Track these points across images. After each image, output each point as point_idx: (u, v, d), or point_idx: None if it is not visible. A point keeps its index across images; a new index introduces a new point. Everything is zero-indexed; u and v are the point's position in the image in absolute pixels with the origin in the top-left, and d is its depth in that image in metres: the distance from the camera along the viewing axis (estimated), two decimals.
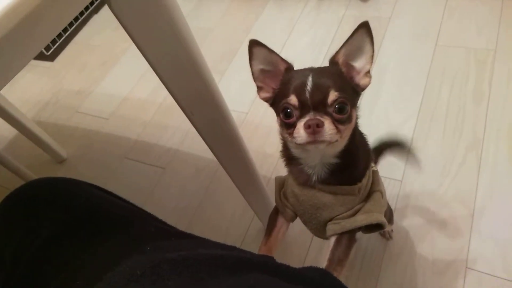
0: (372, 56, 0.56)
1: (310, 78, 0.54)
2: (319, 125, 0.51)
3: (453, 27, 1.52)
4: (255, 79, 0.62)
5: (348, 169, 0.62)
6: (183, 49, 0.56)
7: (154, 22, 0.51)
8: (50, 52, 1.92)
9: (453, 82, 1.37)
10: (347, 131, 0.56)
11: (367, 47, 0.56)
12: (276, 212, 0.74)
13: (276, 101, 0.59)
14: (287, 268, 0.49)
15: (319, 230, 0.69)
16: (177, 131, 1.48)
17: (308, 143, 0.52)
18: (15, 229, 0.56)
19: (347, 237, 0.64)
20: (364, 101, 1.29)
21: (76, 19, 2.01)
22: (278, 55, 0.59)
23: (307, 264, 0.75)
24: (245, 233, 1.17)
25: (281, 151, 0.67)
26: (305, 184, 0.64)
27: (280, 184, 0.73)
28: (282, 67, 0.60)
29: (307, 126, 0.51)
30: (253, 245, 1.14)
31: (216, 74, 1.61)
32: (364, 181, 0.64)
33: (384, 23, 1.60)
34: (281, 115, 0.56)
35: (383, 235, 1.06)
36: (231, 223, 1.21)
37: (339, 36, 1.60)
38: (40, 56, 1.90)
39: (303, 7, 1.78)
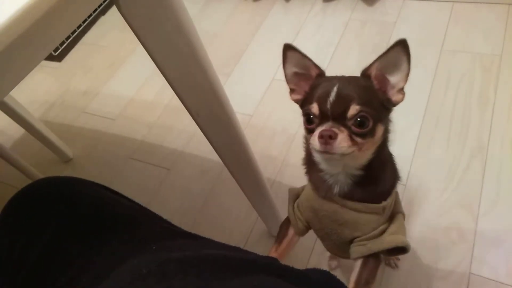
0: (408, 74, 0.55)
1: (335, 89, 0.53)
2: (332, 136, 0.51)
3: (458, 33, 1.52)
4: (288, 81, 0.62)
5: (373, 184, 0.61)
6: (190, 50, 0.56)
7: (161, 23, 0.52)
8: (58, 52, 1.94)
9: (458, 88, 1.36)
10: (368, 144, 0.55)
11: (404, 64, 0.54)
12: (288, 222, 0.73)
13: (303, 105, 0.60)
14: (291, 270, 0.50)
15: (339, 248, 0.68)
16: (183, 132, 1.49)
17: (321, 152, 0.53)
18: (22, 227, 0.57)
19: (373, 259, 0.63)
20: None
21: (83, 20, 2.03)
22: (310, 60, 0.60)
23: (310, 267, 0.75)
24: (249, 234, 1.18)
25: (303, 158, 0.66)
26: (326, 197, 0.62)
27: (294, 196, 0.72)
28: (314, 72, 0.60)
29: (320, 136, 0.51)
30: (257, 246, 1.14)
31: (222, 76, 1.61)
32: (389, 200, 0.63)
33: (390, 27, 1.60)
34: (304, 119, 0.57)
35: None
36: (235, 224, 1.21)
37: (344, 40, 1.60)
38: (48, 57, 1.92)
39: (309, 10, 1.79)
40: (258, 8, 1.88)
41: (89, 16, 2.04)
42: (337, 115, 0.53)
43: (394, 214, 0.65)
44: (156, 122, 1.57)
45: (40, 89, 1.84)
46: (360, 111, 0.52)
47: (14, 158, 1.29)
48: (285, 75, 0.62)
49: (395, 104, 0.57)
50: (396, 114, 0.57)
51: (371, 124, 0.53)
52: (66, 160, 1.50)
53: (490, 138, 1.22)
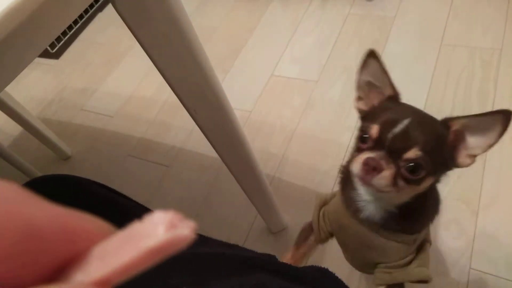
0: (492, 146, 0.50)
1: (405, 121, 0.49)
2: (377, 169, 0.48)
3: (458, 27, 1.51)
4: (358, 87, 0.59)
5: (407, 221, 0.57)
6: (186, 47, 0.56)
7: (157, 20, 0.51)
8: (55, 50, 1.93)
9: (458, 82, 1.36)
10: (408, 190, 0.51)
11: (493, 134, 0.49)
12: (310, 229, 0.71)
13: (364, 118, 0.56)
14: (289, 267, 0.49)
15: (361, 265, 0.66)
16: (182, 129, 1.48)
17: (357, 177, 0.50)
18: None
19: (397, 287, 0.61)
20: None
21: (81, 17, 2.01)
22: (389, 78, 0.56)
23: (311, 263, 0.75)
24: (249, 230, 1.18)
25: (342, 166, 0.63)
26: (355, 216, 0.58)
27: (321, 202, 0.69)
28: (388, 91, 0.56)
29: (365, 163, 0.48)
30: (257, 242, 1.14)
31: (220, 73, 1.61)
32: (423, 233, 0.61)
33: (389, 22, 1.59)
34: (358, 134, 0.53)
35: None
36: (235, 220, 1.21)
37: (343, 35, 1.59)
38: (45, 54, 1.91)
39: (308, 5, 1.77)
40: (256, 3, 1.87)
41: (86, 13, 2.03)
42: (394, 150, 0.48)
43: (422, 243, 0.62)
44: (155, 119, 1.56)
45: (38, 87, 1.83)
46: (418, 158, 0.48)
47: (12, 156, 1.29)
48: (357, 81, 0.58)
49: (458, 166, 0.52)
50: None
51: (422, 174, 0.49)
52: (64, 157, 1.49)
53: None
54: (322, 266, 0.58)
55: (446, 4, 1.59)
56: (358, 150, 0.52)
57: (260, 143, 1.36)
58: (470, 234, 1.04)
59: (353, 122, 1.33)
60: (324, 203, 0.69)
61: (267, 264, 0.47)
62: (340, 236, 0.64)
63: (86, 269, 0.11)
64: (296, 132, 1.37)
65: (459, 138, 0.51)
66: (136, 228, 0.12)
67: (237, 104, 1.48)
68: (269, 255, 0.54)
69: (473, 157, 0.51)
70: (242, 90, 1.53)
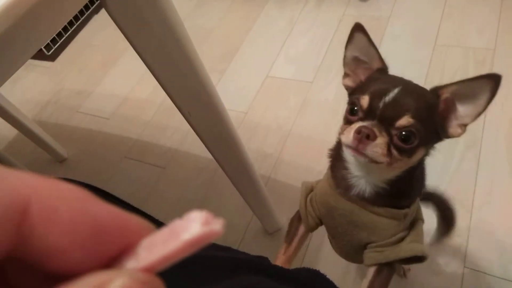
0: (481, 113, 0.49)
1: (395, 90, 0.48)
2: (370, 137, 0.46)
3: (452, 27, 1.52)
4: (344, 64, 0.58)
5: (396, 197, 0.56)
6: (179, 49, 0.56)
7: (149, 23, 0.51)
8: (51, 52, 1.92)
9: (452, 82, 1.36)
10: (400, 163, 0.49)
11: (482, 101, 0.48)
12: (298, 219, 0.69)
13: (352, 93, 0.55)
14: (281, 269, 0.50)
15: (350, 251, 0.64)
16: (177, 130, 1.48)
17: (350, 148, 0.48)
18: None
19: (388, 268, 0.60)
20: None
21: (76, 18, 2.01)
22: (377, 51, 0.55)
23: (305, 264, 0.75)
24: (245, 231, 1.18)
25: (330, 149, 0.62)
26: (344, 195, 0.57)
27: (307, 189, 0.67)
28: (376, 64, 0.55)
29: (358, 131, 0.46)
30: (253, 243, 1.14)
31: (216, 74, 1.62)
32: (413, 207, 0.59)
33: (383, 22, 1.60)
34: (347, 107, 0.52)
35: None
36: (231, 221, 1.21)
37: (338, 36, 1.60)
38: (41, 56, 1.91)
39: (303, 6, 1.78)
40: (252, 4, 1.88)
41: (82, 15, 2.03)
42: (385, 118, 0.47)
43: (415, 221, 0.61)
44: (151, 120, 1.56)
45: (33, 89, 1.83)
46: (411, 126, 0.46)
47: (7, 159, 1.29)
48: (344, 57, 0.57)
49: (449, 136, 0.52)
50: None
51: (415, 143, 0.47)
52: (60, 160, 1.49)
53: (484, 131, 1.22)
54: (314, 268, 0.58)
55: (440, 5, 1.60)
56: (347, 122, 0.51)
57: (256, 144, 1.37)
58: (464, 233, 1.04)
59: None
60: (310, 190, 0.67)
61: (259, 266, 0.48)
62: (328, 219, 0.63)
63: (136, 258, 0.14)
64: (291, 132, 1.37)
65: (449, 107, 0.50)
66: (176, 224, 0.14)
67: (232, 105, 1.49)
68: (261, 257, 0.54)
69: (464, 126, 0.50)
70: (237, 91, 1.54)
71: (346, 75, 0.58)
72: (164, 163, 1.41)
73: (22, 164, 1.33)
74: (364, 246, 0.60)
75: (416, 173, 0.56)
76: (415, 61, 1.45)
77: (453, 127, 0.51)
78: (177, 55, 0.56)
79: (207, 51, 1.70)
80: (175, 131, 1.49)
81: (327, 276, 0.56)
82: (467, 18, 1.53)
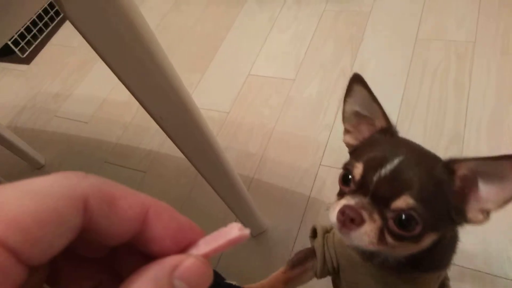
0: (509, 200, 0.39)
1: (395, 161, 0.40)
2: (355, 221, 0.39)
3: (432, 21, 1.52)
4: (344, 119, 0.50)
5: (425, 263, 0.48)
6: (146, 53, 0.53)
7: (112, 27, 0.48)
8: (26, 54, 1.87)
9: (434, 76, 1.36)
10: (401, 249, 0.42)
11: (509, 185, 0.38)
12: (310, 254, 0.59)
13: (353, 152, 0.48)
14: None
15: None
16: (157, 133, 1.45)
17: (335, 228, 0.41)
18: None
19: None
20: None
21: (52, 19, 1.96)
22: (380, 107, 0.46)
23: None
24: None
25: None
26: (369, 261, 0.50)
27: (323, 229, 0.58)
28: (379, 123, 0.47)
29: (341, 212, 0.39)
30: (236, 248, 1.12)
31: (196, 73, 1.58)
32: (443, 272, 0.53)
33: (364, 17, 1.58)
34: (340, 174, 0.44)
35: None
36: (214, 226, 1.18)
37: (319, 31, 1.58)
38: (15, 59, 1.85)
39: (283, 3, 1.76)
40: (232, 2, 1.84)
41: (57, 16, 1.97)
42: (379, 197, 0.40)
43: (443, 281, 0.55)
44: (131, 123, 1.52)
45: (8, 94, 1.77)
46: (410, 209, 0.38)
47: None
48: (343, 111, 0.49)
49: (468, 222, 0.42)
50: None
51: (417, 230, 0.39)
52: (38, 167, 1.44)
53: (466, 125, 1.22)
54: None
55: None
56: (340, 193, 0.44)
57: (239, 145, 1.35)
58: None
59: (331, 119, 1.32)
60: (326, 230, 0.58)
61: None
62: (349, 273, 0.54)
63: (197, 249, 0.21)
64: (274, 131, 1.35)
65: (469, 185, 0.41)
66: (223, 229, 0.21)
67: (214, 105, 1.46)
68: (234, 286, 0.51)
69: (486, 213, 0.41)
70: (219, 91, 1.51)
71: (346, 131, 0.50)
72: (145, 167, 1.37)
73: None
74: None
75: (444, 242, 0.47)
76: (396, 56, 1.44)
77: (473, 212, 0.41)
78: (144, 57, 0.54)
79: (186, 51, 1.66)
80: (155, 133, 1.45)
81: None
82: (447, 12, 1.52)
